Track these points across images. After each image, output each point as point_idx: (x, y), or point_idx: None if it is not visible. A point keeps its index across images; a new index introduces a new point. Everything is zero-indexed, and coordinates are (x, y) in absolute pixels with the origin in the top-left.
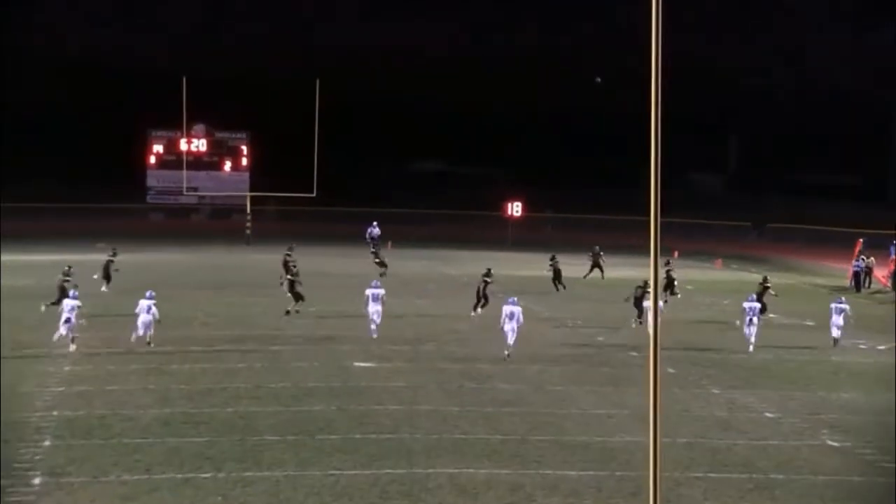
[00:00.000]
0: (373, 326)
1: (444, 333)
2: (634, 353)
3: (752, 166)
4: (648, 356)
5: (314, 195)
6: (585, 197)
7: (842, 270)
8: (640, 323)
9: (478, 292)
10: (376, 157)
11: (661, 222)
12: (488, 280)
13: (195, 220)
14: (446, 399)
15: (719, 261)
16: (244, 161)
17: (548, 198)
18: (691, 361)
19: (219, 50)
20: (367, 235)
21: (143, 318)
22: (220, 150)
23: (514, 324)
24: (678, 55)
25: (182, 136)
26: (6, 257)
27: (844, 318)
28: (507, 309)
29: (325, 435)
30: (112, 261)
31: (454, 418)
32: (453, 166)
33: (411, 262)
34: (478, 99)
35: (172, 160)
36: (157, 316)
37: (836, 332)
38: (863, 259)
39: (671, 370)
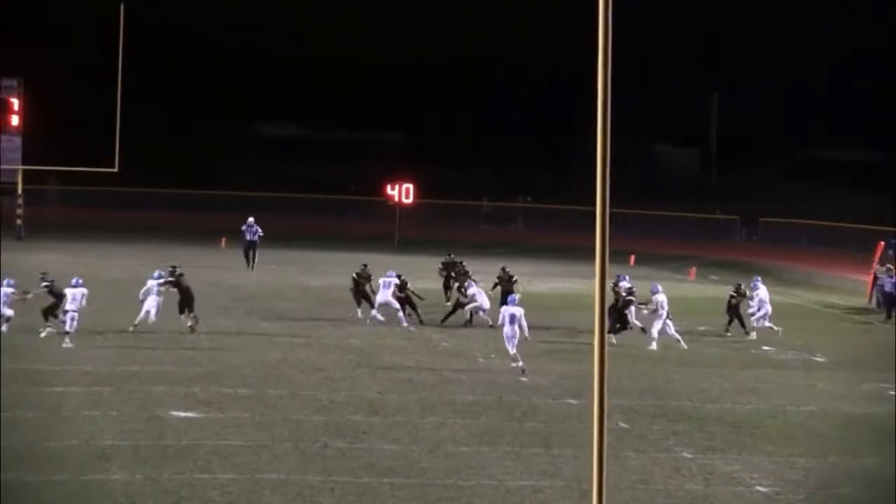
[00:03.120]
0: (379, 315)
1: (301, 371)
2: (572, 401)
3: (741, 137)
4: (592, 404)
5: (116, 170)
6: (502, 179)
7: (863, 283)
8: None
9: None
10: (205, 119)
11: (611, 214)
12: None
13: None
14: (303, 465)
15: (693, 269)
16: (15, 120)
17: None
18: (652, 413)
19: None
20: (245, 237)
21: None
22: None
23: (515, 328)
24: None
25: None
26: None
27: (762, 304)
28: (505, 310)
29: None
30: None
31: (314, 492)
32: (316, 131)
33: (255, 270)
34: (350, 39)
35: None
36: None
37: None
38: (889, 269)
39: (624, 425)
